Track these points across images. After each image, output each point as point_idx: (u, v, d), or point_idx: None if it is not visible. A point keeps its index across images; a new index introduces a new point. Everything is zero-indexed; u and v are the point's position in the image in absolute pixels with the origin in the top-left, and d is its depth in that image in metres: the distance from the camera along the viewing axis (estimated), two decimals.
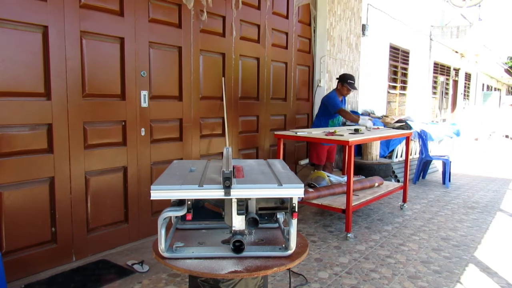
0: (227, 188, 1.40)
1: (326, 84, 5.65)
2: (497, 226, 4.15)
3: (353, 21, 6.23)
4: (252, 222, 1.47)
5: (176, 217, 1.73)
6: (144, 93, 3.36)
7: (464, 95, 14.15)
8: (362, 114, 6.23)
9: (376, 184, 4.44)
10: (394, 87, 8.31)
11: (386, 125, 6.34)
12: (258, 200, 1.52)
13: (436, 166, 7.41)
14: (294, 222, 1.48)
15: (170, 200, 1.52)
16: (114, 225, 3.25)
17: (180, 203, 1.52)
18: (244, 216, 1.49)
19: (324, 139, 3.75)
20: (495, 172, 7.61)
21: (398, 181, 5.77)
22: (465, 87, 14.17)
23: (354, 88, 4.67)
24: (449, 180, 6.19)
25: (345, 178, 4.31)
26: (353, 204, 3.64)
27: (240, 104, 4.42)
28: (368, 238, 3.66)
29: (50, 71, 2.73)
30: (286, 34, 5.08)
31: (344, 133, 3.98)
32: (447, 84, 12.15)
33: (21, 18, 2.57)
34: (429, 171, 6.80)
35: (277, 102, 5.04)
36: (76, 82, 2.89)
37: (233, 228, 1.51)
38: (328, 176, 4.42)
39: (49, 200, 2.81)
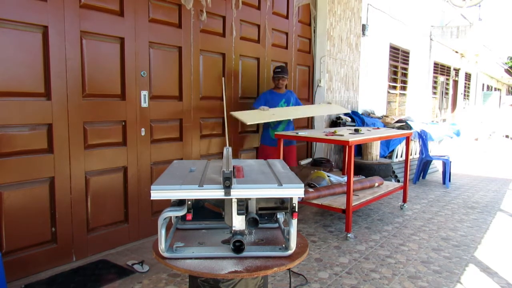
0: (227, 188, 1.40)
1: (326, 84, 5.65)
2: (497, 226, 4.15)
3: (353, 21, 6.23)
4: (252, 222, 1.47)
5: (176, 217, 1.73)
6: (144, 93, 3.36)
7: (464, 95, 14.15)
8: (362, 114, 6.23)
9: (376, 184, 4.44)
10: (394, 87, 8.31)
11: (386, 125, 6.34)
12: (258, 200, 1.52)
13: (436, 166, 7.41)
14: (294, 222, 1.48)
15: (170, 200, 1.52)
16: (114, 225, 3.25)
17: (180, 203, 1.52)
18: (244, 216, 1.49)
19: (324, 139, 3.75)
20: (495, 172, 7.61)
21: (398, 181, 5.77)
22: (465, 87, 14.17)
23: (280, 75, 4.24)
24: (449, 180, 6.19)
25: (345, 178, 4.31)
26: (353, 204, 3.64)
27: (240, 104, 4.42)
28: (368, 238, 3.66)
29: (50, 71, 2.74)
30: (286, 34, 5.08)
31: (344, 133, 3.98)
32: (447, 84, 12.15)
33: (21, 18, 2.57)
34: (429, 171, 6.80)
35: None
36: (76, 82, 2.89)
37: (233, 228, 1.51)
38: (328, 176, 4.42)
39: (49, 200, 2.81)
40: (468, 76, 14.49)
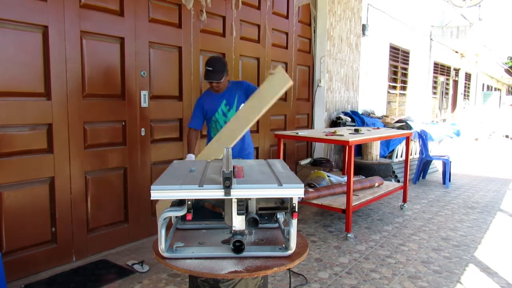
0: (227, 188, 1.40)
1: (326, 84, 5.65)
2: (497, 226, 4.15)
3: (353, 21, 6.23)
4: (252, 222, 1.47)
5: (176, 217, 1.73)
6: (144, 93, 3.36)
7: (464, 95, 14.15)
8: (362, 114, 6.23)
9: (376, 184, 4.44)
10: (394, 87, 8.31)
11: (386, 125, 6.34)
12: (258, 200, 1.52)
13: (436, 166, 7.41)
14: (294, 222, 1.48)
15: (170, 200, 1.52)
16: (114, 225, 3.25)
17: (180, 203, 1.52)
18: (244, 216, 1.49)
19: (324, 139, 3.75)
20: (495, 172, 7.61)
21: (398, 181, 5.77)
22: (465, 87, 14.17)
23: (210, 79, 2.95)
24: (449, 180, 6.19)
25: (345, 178, 4.31)
26: (353, 204, 3.64)
27: None
28: (368, 238, 3.66)
29: (50, 71, 2.73)
30: (286, 34, 5.08)
31: (344, 133, 3.98)
32: (447, 84, 12.15)
33: (21, 18, 2.57)
34: (429, 171, 6.80)
35: (277, 102, 5.01)
36: (76, 82, 2.89)
37: (233, 228, 1.51)
38: (328, 176, 4.42)
39: (49, 200, 2.81)
40: (468, 76, 14.49)
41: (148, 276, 2.77)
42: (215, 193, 1.43)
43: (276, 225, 1.76)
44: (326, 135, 3.84)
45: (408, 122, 6.44)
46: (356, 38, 6.36)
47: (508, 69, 18.25)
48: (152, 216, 3.51)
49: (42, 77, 2.72)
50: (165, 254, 1.46)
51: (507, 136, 15.36)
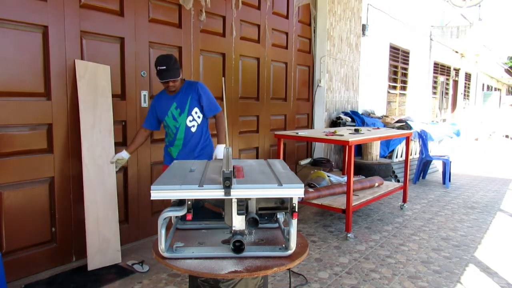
0: (227, 188, 1.40)
1: (326, 84, 5.65)
2: (497, 226, 4.15)
3: (353, 21, 6.23)
4: (252, 222, 1.47)
5: (176, 217, 1.73)
6: (144, 93, 3.36)
7: (464, 95, 14.15)
8: (362, 114, 6.23)
9: (376, 184, 4.44)
10: (394, 87, 8.31)
11: (386, 125, 6.34)
12: (258, 200, 1.52)
13: (436, 166, 7.41)
14: (294, 222, 1.48)
15: (170, 200, 1.52)
16: None
17: (180, 203, 1.52)
18: (244, 216, 1.49)
19: (324, 139, 3.75)
20: (495, 172, 7.61)
21: (398, 181, 5.77)
22: (465, 87, 14.17)
23: (163, 79, 2.69)
24: (449, 180, 6.19)
25: (345, 178, 4.31)
26: (353, 204, 3.64)
27: (240, 104, 4.42)
28: (368, 238, 3.66)
29: (50, 71, 2.73)
30: (286, 34, 5.08)
31: (344, 133, 3.98)
32: (447, 84, 12.15)
33: (21, 18, 2.57)
34: (429, 171, 6.80)
35: (277, 102, 5.04)
36: (76, 82, 2.88)
37: (233, 228, 1.51)
38: (328, 176, 4.42)
39: (49, 200, 2.81)
40: (468, 76, 14.48)
41: (148, 276, 2.77)
42: (215, 193, 1.43)
43: (276, 225, 1.76)
44: (326, 135, 3.84)
45: (408, 122, 6.44)
46: (356, 38, 6.36)
47: (508, 69, 18.25)
48: (152, 216, 3.51)
49: (42, 77, 2.72)
50: (165, 254, 1.47)
51: (507, 136, 15.36)
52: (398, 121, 6.52)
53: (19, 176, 2.63)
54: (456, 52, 12.05)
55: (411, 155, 6.76)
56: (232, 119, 4.31)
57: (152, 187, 1.40)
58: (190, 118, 2.82)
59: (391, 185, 4.64)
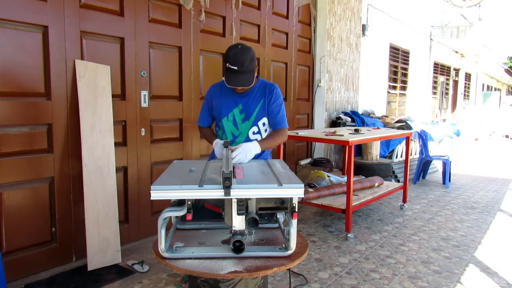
0: (227, 188, 1.40)
1: (326, 84, 5.65)
2: (497, 226, 4.15)
3: (353, 21, 6.23)
4: (252, 222, 1.47)
5: (176, 217, 1.73)
6: (144, 93, 3.36)
7: (464, 95, 14.14)
8: (362, 114, 6.24)
9: (376, 184, 4.44)
10: (394, 87, 8.31)
11: (386, 125, 6.34)
12: (258, 200, 1.52)
13: (436, 166, 7.41)
14: (294, 222, 1.48)
15: (170, 200, 1.52)
16: None
17: (180, 203, 1.52)
18: (244, 216, 1.49)
19: (324, 139, 3.75)
20: (495, 172, 7.61)
21: (398, 181, 5.77)
22: (465, 87, 14.17)
23: (234, 85, 2.15)
24: (449, 180, 6.19)
25: (345, 178, 4.31)
26: (353, 204, 3.64)
27: None
28: (368, 238, 3.66)
29: (50, 71, 2.73)
30: (286, 34, 5.08)
31: (344, 133, 3.98)
32: (447, 84, 12.15)
33: (21, 18, 2.57)
34: (429, 171, 6.80)
35: None
36: (76, 82, 2.88)
37: (233, 228, 1.51)
38: (328, 176, 4.42)
39: (49, 200, 2.81)
40: (468, 76, 14.48)
41: (148, 276, 2.77)
42: (215, 193, 1.43)
43: (276, 225, 1.76)
44: (326, 135, 3.84)
45: (408, 122, 6.44)
46: (356, 38, 6.36)
47: (508, 69, 18.25)
48: (152, 216, 3.51)
49: (42, 77, 2.72)
50: (165, 254, 1.47)
51: (507, 136, 15.36)
52: (398, 121, 6.52)
53: (19, 176, 2.63)
54: (456, 52, 12.05)
55: (411, 155, 6.76)
56: None
57: (152, 187, 1.40)
58: (254, 129, 2.28)
59: (391, 185, 4.64)
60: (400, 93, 8.60)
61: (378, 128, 5.21)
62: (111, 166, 2.95)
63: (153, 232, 3.47)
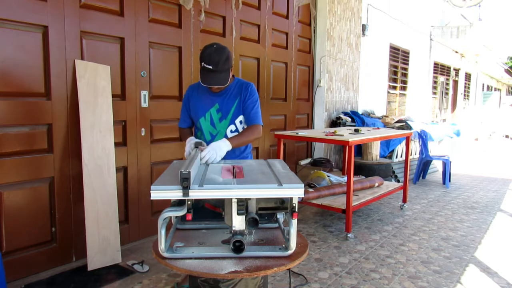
0: (185, 189, 1.38)
1: (326, 84, 5.65)
2: (497, 226, 4.15)
3: (353, 21, 6.23)
4: (252, 222, 1.47)
5: (176, 217, 1.73)
6: (144, 93, 3.36)
7: (464, 95, 14.14)
8: (362, 114, 6.24)
9: (376, 184, 4.44)
10: (394, 87, 8.31)
11: (386, 125, 6.34)
12: (258, 200, 1.52)
13: (436, 166, 7.41)
14: (294, 222, 1.48)
15: (170, 200, 1.52)
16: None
17: (180, 203, 1.52)
18: (244, 216, 1.49)
19: (324, 139, 3.75)
20: (495, 172, 7.61)
21: (398, 181, 5.77)
22: (465, 87, 14.17)
23: (209, 84, 2.14)
24: (449, 180, 6.19)
25: (345, 178, 4.31)
26: (353, 204, 3.64)
27: None
28: (368, 238, 3.66)
29: (50, 71, 2.73)
30: (286, 34, 5.08)
31: (344, 133, 3.98)
32: (447, 84, 12.15)
33: (21, 18, 2.57)
34: (429, 171, 6.80)
35: (277, 102, 5.04)
36: (76, 82, 2.88)
37: (233, 228, 1.51)
38: (328, 176, 4.42)
39: (49, 200, 2.81)
40: (468, 76, 14.48)
41: (148, 276, 2.77)
42: (215, 193, 1.43)
43: (276, 225, 1.76)
44: (326, 135, 3.84)
45: (408, 122, 6.44)
46: (356, 38, 6.36)
47: (508, 69, 18.25)
48: (152, 216, 3.51)
49: (42, 77, 2.72)
50: (165, 254, 1.46)
51: (507, 136, 15.36)
52: (398, 121, 6.52)
53: (19, 176, 2.63)
54: (456, 52, 12.05)
55: (411, 155, 6.76)
56: None
57: (152, 187, 1.40)
58: (232, 127, 2.30)
59: (391, 185, 4.64)
60: (400, 93, 8.60)
61: (378, 128, 5.21)
62: (111, 166, 2.95)
63: (153, 232, 3.47)
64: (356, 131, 4.25)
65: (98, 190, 2.87)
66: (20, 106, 2.61)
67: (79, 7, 2.87)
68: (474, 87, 15.65)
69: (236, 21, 4.25)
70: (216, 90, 2.25)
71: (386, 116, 6.87)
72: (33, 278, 2.69)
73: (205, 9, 3.82)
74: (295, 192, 1.45)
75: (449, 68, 11.93)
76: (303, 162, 5.41)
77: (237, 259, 1.46)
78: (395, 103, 8.41)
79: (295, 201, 1.48)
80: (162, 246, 1.45)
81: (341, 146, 5.87)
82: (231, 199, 1.47)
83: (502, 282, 2.85)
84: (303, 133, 3.99)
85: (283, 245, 1.53)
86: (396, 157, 6.28)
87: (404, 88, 8.78)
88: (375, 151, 5.72)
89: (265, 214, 1.56)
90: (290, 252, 1.49)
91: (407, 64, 8.76)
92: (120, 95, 3.21)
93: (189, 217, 1.49)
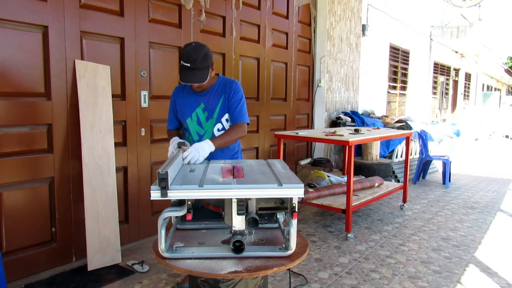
0: (163, 189, 1.38)
1: (326, 84, 5.65)
2: (497, 226, 4.15)
3: (353, 21, 6.23)
4: (252, 222, 1.47)
5: (176, 217, 1.73)
6: (144, 93, 3.36)
7: (464, 95, 14.15)
8: (362, 114, 6.24)
9: (376, 184, 4.44)
10: (394, 87, 8.31)
11: (386, 125, 6.34)
12: (258, 200, 1.52)
13: (436, 166, 7.41)
14: (294, 222, 1.48)
15: (170, 200, 1.52)
16: None
17: (180, 203, 1.52)
18: (244, 216, 1.49)
19: (324, 139, 3.75)
20: (495, 172, 7.61)
21: (398, 181, 5.77)
22: (465, 87, 14.17)
23: (186, 81, 2.12)
24: (449, 180, 6.19)
25: (345, 178, 4.31)
26: (353, 204, 3.64)
27: None
28: (368, 238, 3.66)
29: (50, 71, 2.73)
30: (286, 34, 5.08)
31: (344, 133, 3.98)
32: (447, 84, 12.15)
33: (21, 18, 2.57)
34: (429, 171, 6.79)
35: (277, 102, 5.04)
36: (76, 82, 2.89)
37: (233, 228, 1.51)
38: (328, 176, 4.42)
39: (49, 200, 2.81)
40: (468, 76, 14.49)
41: (148, 276, 2.77)
42: (215, 193, 1.43)
43: (276, 225, 1.76)
44: (326, 135, 3.84)
45: (408, 122, 6.44)
46: (356, 38, 6.36)
47: (508, 69, 18.25)
48: (152, 216, 3.51)
49: (42, 77, 2.72)
50: (165, 254, 1.46)
51: (507, 136, 15.35)
52: (398, 121, 6.52)
53: (19, 176, 2.63)
54: (456, 52, 12.05)
55: (411, 155, 6.76)
56: None
57: (152, 187, 1.40)
58: (219, 126, 2.29)
59: (391, 185, 4.64)
60: (400, 93, 8.60)
61: (378, 128, 5.20)
62: (111, 166, 2.95)
63: (153, 232, 3.47)
64: (356, 131, 4.25)
65: (98, 190, 2.87)
66: (20, 106, 2.61)
67: (79, 7, 2.87)
68: (474, 87, 15.65)
69: (236, 21, 4.25)
70: (198, 89, 2.24)
71: (386, 116, 6.87)
72: (33, 278, 2.69)
73: (205, 9, 3.82)
74: (295, 192, 1.45)
75: (449, 68, 11.93)
76: (303, 162, 5.42)
77: (237, 259, 1.46)
78: (395, 103, 8.41)
79: (295, 201, 1.48)
80: (162, 246, 1.45)
81: (341, 146, 5.87)
82: (231, 199, 1.47)
83: (502, 282, 2.85)
84: (303, 133, 3.99)
85: (283, 245, 1.53)
86: (396, 157, 6.28)
87: (404, 88, 8.78)
88: (375, 151, 5.72)
89: (265, 214, 1.56)
90: (290, 252, 1.49)
91: (407, 64, 8.76)
92: (120, 95, 3.21)
93: (189, 217, 1.49)
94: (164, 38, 3.50)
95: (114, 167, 2.98)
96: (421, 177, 6.56)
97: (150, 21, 3.38)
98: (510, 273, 3.00)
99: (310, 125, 5.74)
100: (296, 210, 1.48)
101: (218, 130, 2.30)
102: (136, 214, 3.39)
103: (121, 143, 3.24)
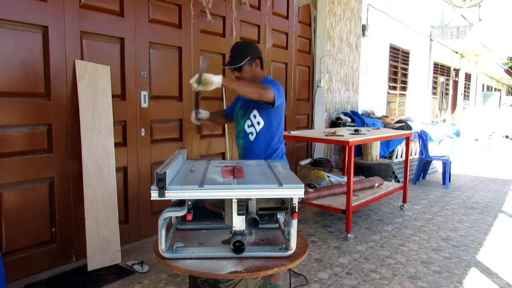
0: (161, 189, 1.39)
1: (326, 84, 5.65)
2: (497, 226, 4.15)
3: (353, 21, 6.23)
4: (252, 223, 1.47)
5: (177, 217, 1.73)
6: (144, 93, 3.36)
7: (464, 95, 14.15)
8: (362, 115, 6.24)
9: (376, 185, 4.44)
10: (394, 88, 8.31)
11: (386, 125, 6.34)
12: (259, 200, 1.52)
13: (436, 166, 7.41)
14: (295, 222, 1.48)
15: (170, 200, 1.52)
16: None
17: (180, 203, 1.52)
18: (244, 217, 1.49)
19: (324, 140, 3.75)
20: (495, 173, 7.61)
21: (398, 181, 5.77)
22: (465, 87, 14.17)
23: (225, 64, 2.38)
24: (449, 181, 6.19)
25: (345, 179, 4.31)
26: (353, 205, 3.64)
27: None
28: (368, 239, 3.66)
29: (50, 71, 2.73)
30: (286, 34, 5.08)
31: (344, 133, 3.98)
32: (447, 84, 12.15)
33: (21, 18, 2.57)
34: (429, 171, 6.79)
35: None
36: (76, 82, 2.88)
37: (233, 229, 1.50)
38: (328, 177, 4.42)
39: (49, 200, 2.81)
40: (468, 77, 14.49)
41: (148, 276, 2.77)
42: (215, 193, 1.43)
43: (276, 225, 1.76)
44: (326, 135, 3.84)
45: (408, 122, 6.44)
46: (356, 39, 6.36)
47: (508, 69, 18.25)
48: (152, 216, 3.51)
49: (42, 77, 2.72)
50: (165, 254, 1.46)
51: (507, 137, 15.35)
52: (398, 122, 6.52)
53: (19, 176, 2.63)
54: (456, 52, 12.05)
55: (411, 155, 6.76)
56: None
57: (152, 187, 1.40)
58: (248, 122, 2.30)
59: (391, 185, 4.64)
60: (400, 94, 8.60)
61: (378, 128, 5.21)
62: (111, 166, 2.95)
63: (153, 232, 3.47)
64: (356, 131, 4.25)
65: (98, 190, 2.87)
66: (20, 106, 2.61)
67: (79, 7, 2.87)
68: (474, 88, 15.65)
69: (236, 21, 4.25)
70: (236, 75, 2.28)
71: (386, 116, 6.87)
72: (33, 278, 2.69)
73: (207, 9, 3.82)
74: (295, 192, 1.45)
75: (449, 68, 11.93)
76: (303, 162, 5.41)
77: (237, 259, 1.46)
78: (395, 103, 8.41)
79: (296, 202, 1.48)
80: (162, 246, 1.45)
81: (341, 146, 5.87)
82: (231, 199, 1.47)
83: (501, 282, 2.85)
84: (303, 133, 3.99)
85: (283, 246, 1.53)
86: (396, 158, 6.28)
87: (404, 89, 8.79)
88: (375, 151, 5.72)
89: (265, 214, 1.56)
90: (290, 252, 1.49)
91: (407, 64, 8.76)
92: (120, 95, 3.21)
93: (189, 217, 1.49)
94: (164, 38, 3.50)
95: (114, 167, 2.98)
96: (421, 178, 6.56)
97: (150, 21, 3.38)
98: (510, 273, 3.00)
99: (310, 125, 5.74)
100: (296, 210, 1.48)
101: (248, 126, 2.31)
102: (136, 214, 3.39)
103: (121, 143, 3.24)
